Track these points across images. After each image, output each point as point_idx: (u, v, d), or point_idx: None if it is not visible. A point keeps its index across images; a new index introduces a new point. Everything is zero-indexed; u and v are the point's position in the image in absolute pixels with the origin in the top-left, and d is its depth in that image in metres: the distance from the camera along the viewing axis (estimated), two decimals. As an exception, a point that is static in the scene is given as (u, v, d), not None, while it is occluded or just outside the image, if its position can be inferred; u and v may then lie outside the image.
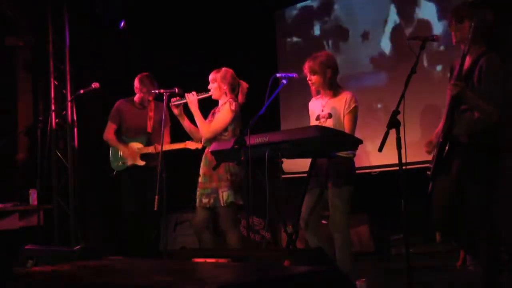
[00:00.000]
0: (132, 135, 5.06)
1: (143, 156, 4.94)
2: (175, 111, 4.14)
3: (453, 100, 3.10)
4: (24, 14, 6.18)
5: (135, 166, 4.96)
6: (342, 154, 3.64)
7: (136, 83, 5.04)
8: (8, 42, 6.24)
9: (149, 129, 5.04)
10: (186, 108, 4.18)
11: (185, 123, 4.21)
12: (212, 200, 3.99)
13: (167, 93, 4.36)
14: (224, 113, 4.04)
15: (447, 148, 3.10)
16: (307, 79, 3.80)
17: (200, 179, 4.11)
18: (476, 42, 3.08)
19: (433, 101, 5.37)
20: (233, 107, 4.04)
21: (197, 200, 4.10)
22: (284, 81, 3.65)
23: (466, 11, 3.09)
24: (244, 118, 4.12)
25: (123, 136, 5.10)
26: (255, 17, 6.53)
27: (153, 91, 4.88)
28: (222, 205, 3.95)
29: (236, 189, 3.94)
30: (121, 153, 5.03)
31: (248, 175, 3.37)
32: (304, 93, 6.14)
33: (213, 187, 4.00)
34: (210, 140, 4.02)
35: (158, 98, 4.38)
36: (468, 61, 3.12)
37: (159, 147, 4.68)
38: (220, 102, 4.17)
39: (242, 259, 2.74)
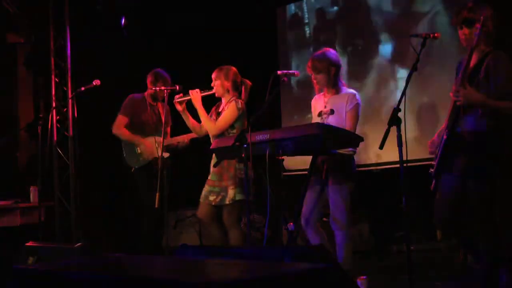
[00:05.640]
0: (149, 130, 5.03)
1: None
2: (179, 108, 4.15)
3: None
4: (25, 11, 6.18)
5: (155, 159, 4.88)
6: (342, 151, 3.64)
7: (150, 78, 5.03)
8: (9, 39, 6.24)
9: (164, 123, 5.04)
10: (188, 105, 4.18)
11: (188, 119, 4.22)
12: (219, 198, 4.02)
13: (168, 91, 4.37)
14: (230, 111, 4.06)
15: (451, 145, 3.10)
16: (312, 78, 3.80)
17: (209, 177, 4.13)
18: (482, 42, 3.07)
19: (435, 99, 5.36)
20: (239, 105, 4.06)
21: (202, 195, 4.11)
22: (285, 79, 3.65)
23: (474, 13, 3.07)
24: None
25: (136, 131, 5.05)
26: (256, 14, 6.53)
27: (154, 88, 4.87)
28: (227, 202, 3.97)
29: (243, 186, 3.93)
30: (139, 149, 4.98)
31: (248, 173, 3.37)
32: (305, 90, 6.16)
33: (223, 186, 4.02)
34: (217, 137, 4.03)
35: (171, 95, 4.35)
36: (473, 60, 3.11)
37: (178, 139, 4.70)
38: (224, 100, 4.18)
39: (243, 256, 2.74)
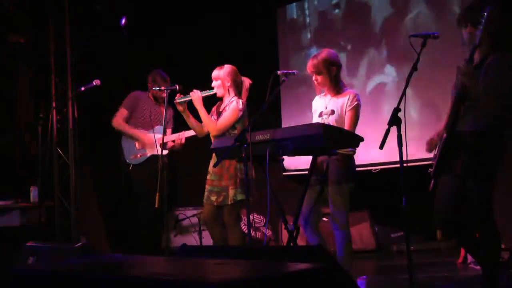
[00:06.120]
0: (147, 126, 5.03)
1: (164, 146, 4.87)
2: (180, 108, 4.15)
3: (459, 95, 3.09)
4: (25, 11, 6.18)
5: (154, 158, 4.87)
6: (342, 151, 3.64)
7: (149, 78, 5.05)
8: (9, 38, 6.24)
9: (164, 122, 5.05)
10: (189, 104, 4.18)
11: (190, 120, 4.22)
12: (221, 198, 4.02)
13: (168, 91, 4.37)
14: (231, 111, 4.06)
15: (450, 145, 3.10)
16: (313, 79, 3.79)
17: (208, 177, 4.13)
18: (484, 41, 3.07)
19: (435, 98, 5.36)
20: (240, 106, 4.05)
21: (204, 196, 4.12)
22: (285, 79, 3.65)
23: (478, 12, 3.07)
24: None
25: (135, 126, 5.04)
26: (256, 14, 6.52)
27: (154, 88, 4.88)
28: (229, 202, 3.98)
29: (243, 186, 3.93)
30: (137, 144, 4.97)
31: (248, 173, 3.37)
32: (305, 90, 6.16)
33: (223, 186, 4.03)
34: (218, 138, 4.03)
35: (172, 94, 4.36)
36: (476, 59, 3.11)
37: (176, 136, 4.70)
38: (226, 100, 4.17)
39: (243, 256, 2.74)
